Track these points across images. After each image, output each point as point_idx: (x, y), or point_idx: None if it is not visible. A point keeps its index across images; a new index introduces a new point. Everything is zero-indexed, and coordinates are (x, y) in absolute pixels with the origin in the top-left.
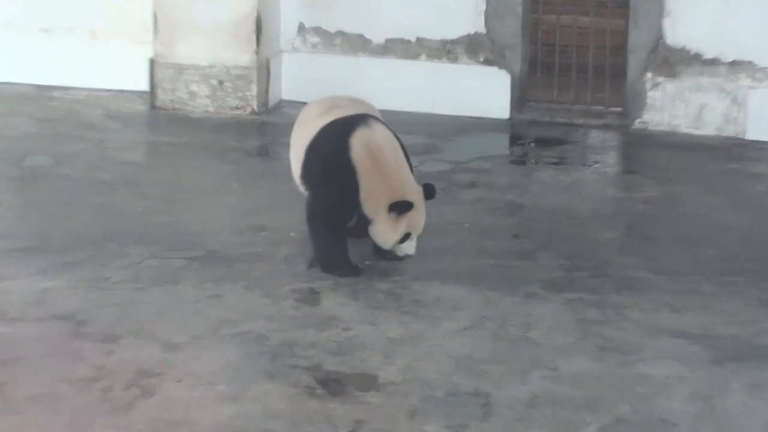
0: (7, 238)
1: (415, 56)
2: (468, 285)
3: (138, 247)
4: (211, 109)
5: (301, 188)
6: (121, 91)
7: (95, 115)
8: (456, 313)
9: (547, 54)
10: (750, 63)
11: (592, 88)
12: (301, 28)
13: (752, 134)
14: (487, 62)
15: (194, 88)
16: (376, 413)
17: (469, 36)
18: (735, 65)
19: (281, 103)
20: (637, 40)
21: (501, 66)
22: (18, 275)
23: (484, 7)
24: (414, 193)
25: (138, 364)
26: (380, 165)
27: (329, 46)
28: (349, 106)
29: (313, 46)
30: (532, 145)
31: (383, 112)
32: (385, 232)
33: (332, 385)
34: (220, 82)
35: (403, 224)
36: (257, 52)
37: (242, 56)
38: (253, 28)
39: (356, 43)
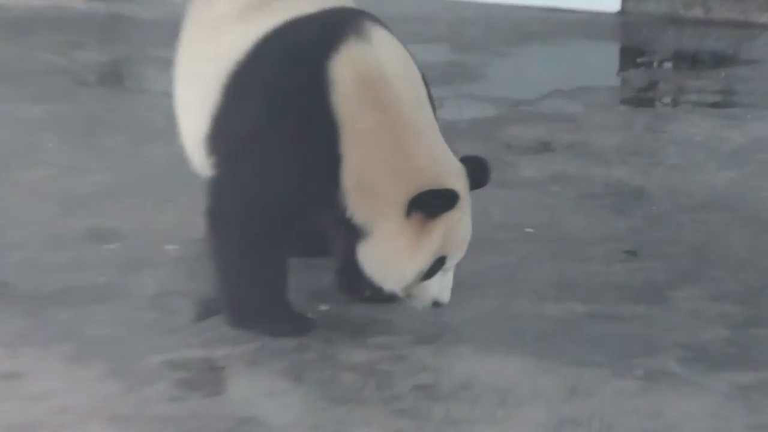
0: None
1: None
2: (531, 356)
3: None
4: None
5: (201, 162)
6: None
7: None
8: (506, 418)
9: None
10: None
11: None
12: None
13: None
14: None
15: None
16: None
17: None
18: None
19: None
20: None
21: None
22: None
23: None
24: (454, 175)
25: None
26: (392, 119)
27: None
28: None
29: None
30: (667, 65)
31: None
32: (396, 255)
33: None
34: None
35: (435, 239)
36: None
37: None
38: None
39: None
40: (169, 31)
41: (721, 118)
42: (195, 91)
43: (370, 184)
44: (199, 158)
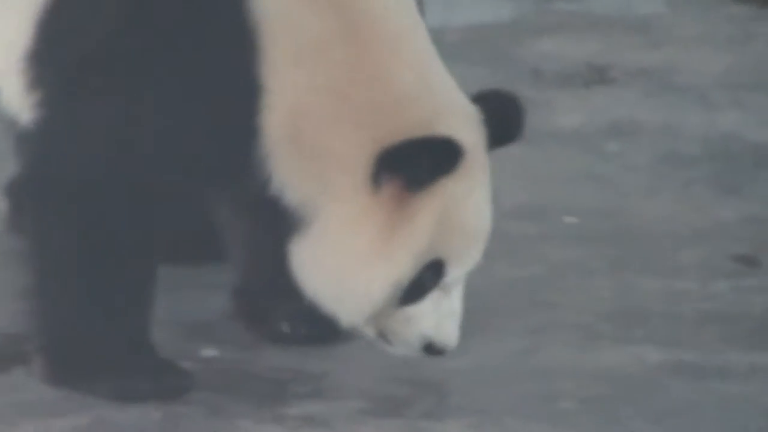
0: None
1: None
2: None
3: None
4: None
5: (13, 99)
6: None
7: None
8: None
9: None
10: None
11: None
12: None
13: None
14: None
15: None
16: None
17: None
18: None
19: None
20: None
21: None
22: None
23: None
24: (458, 119)
25: None
26: (352, 23)
27: None
28: None
29: None
30: None
31: None
32: (355, 257)
33: None
34: None
35: (423, 227)
36: None
37: None
38: None
39: None
40: None
41: None
42: None
43: (313, 135)
44: (9, 92)
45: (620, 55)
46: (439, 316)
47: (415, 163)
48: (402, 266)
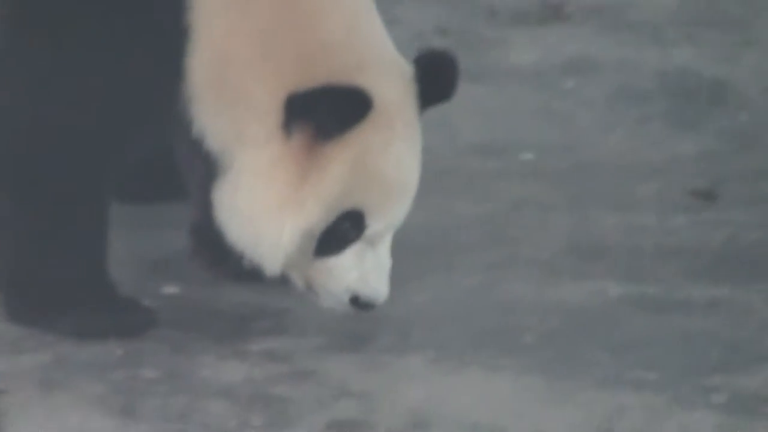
0: None
1: None
2: (531, 373)
3: None
4: None
5: None
6: None
7: None
8: None
9: None
10: None
11: None
12: None
13: None
14: None
15: None
16: None
17: None
18: None
19: None
20: None
21: None
22: None
23: None
24: (381, 69)
25: None
26: None
27: None
28: None
29: None
30: None
31: None
32: (266, 203)
33: None
34: None
35: (334, 175)
36: None
37: None
38: None
39: None
40: None
41: None
42: None
43: (235, 80)
44: None
45: None
46: (364, 270)
47: (321, 112)
48: (312, 214)
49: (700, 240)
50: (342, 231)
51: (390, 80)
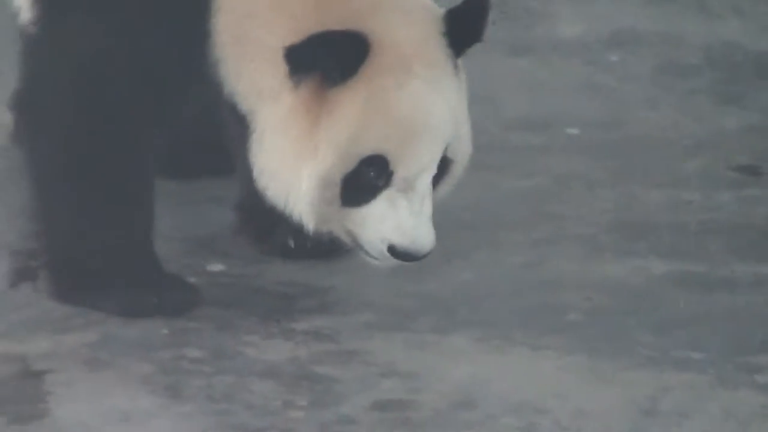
0: None
1: None
2: (574, 353)
3: None
4: None
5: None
6: None
7: None
8: None
9: None
10: None
11: None
12: None
13: None
14: None
15: None
16: None
17: None
18: None
19: None
20: None
21: None
22: None
23: None
24: (399, 16)
25: None
26: None
27: None
28: None
29: None
30: None
31: None
32: (285, 155)
33: None
34: None
35: (344, 119)
36: None
37: None
38: None
39: None
40: None
41: None
42: None
43: (255, 35)
44: (21, 3)
45: None
46: (399, 218)
47: (319, 60)
48: (326, 160)
49: (745, 216)
50: (367, 178)
51: (408, 23)
